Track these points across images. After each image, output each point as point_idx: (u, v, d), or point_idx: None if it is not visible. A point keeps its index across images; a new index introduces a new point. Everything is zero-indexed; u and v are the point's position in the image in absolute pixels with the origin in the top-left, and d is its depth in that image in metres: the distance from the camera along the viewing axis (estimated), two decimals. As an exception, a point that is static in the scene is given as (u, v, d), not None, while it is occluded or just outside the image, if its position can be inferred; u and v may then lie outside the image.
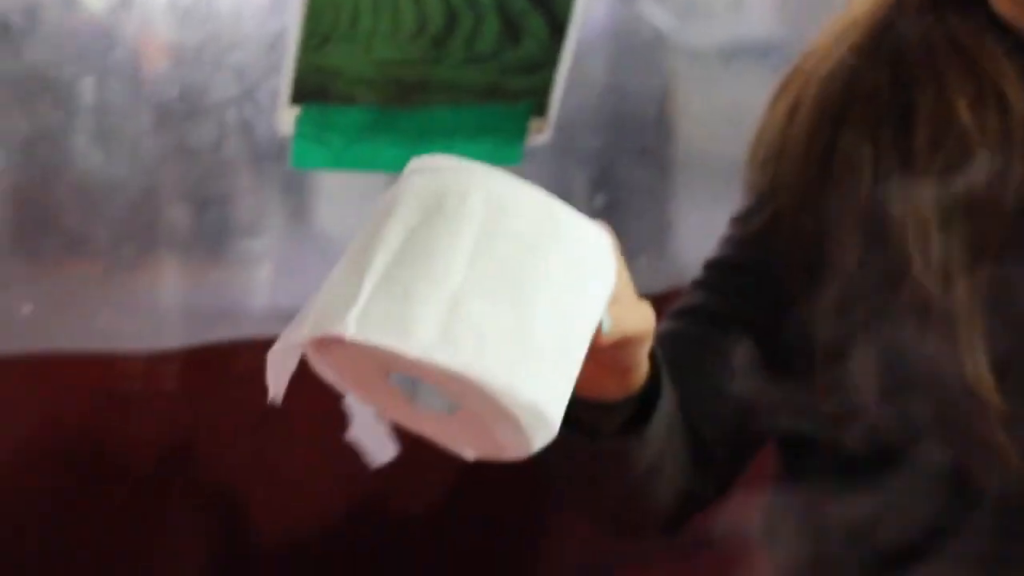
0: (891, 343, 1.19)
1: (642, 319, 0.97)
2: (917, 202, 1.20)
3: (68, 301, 1.39)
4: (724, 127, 1.74)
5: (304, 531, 1.45)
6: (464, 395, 0.81)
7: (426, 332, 0.76)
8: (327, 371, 0.89)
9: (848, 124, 1.25)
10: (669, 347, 1.21)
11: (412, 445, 1.44)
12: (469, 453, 0.90)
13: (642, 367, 1.05)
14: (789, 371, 1.25)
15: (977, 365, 1.16)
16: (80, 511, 1.32)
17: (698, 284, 1.32)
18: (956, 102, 1.21)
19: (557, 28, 1.33)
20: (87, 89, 1.32)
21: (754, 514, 1.40)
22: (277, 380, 0.88)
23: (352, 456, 1.46)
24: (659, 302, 1.33)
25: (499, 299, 0.79)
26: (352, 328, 0.76)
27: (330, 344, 0.86)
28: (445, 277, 0.78)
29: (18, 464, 1.31)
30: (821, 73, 1.27)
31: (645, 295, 1.44)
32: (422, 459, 1.48)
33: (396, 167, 1.31)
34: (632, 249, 1.61)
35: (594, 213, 1.58)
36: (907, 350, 1.19)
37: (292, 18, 1.21)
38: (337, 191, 1.52)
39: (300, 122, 1.26)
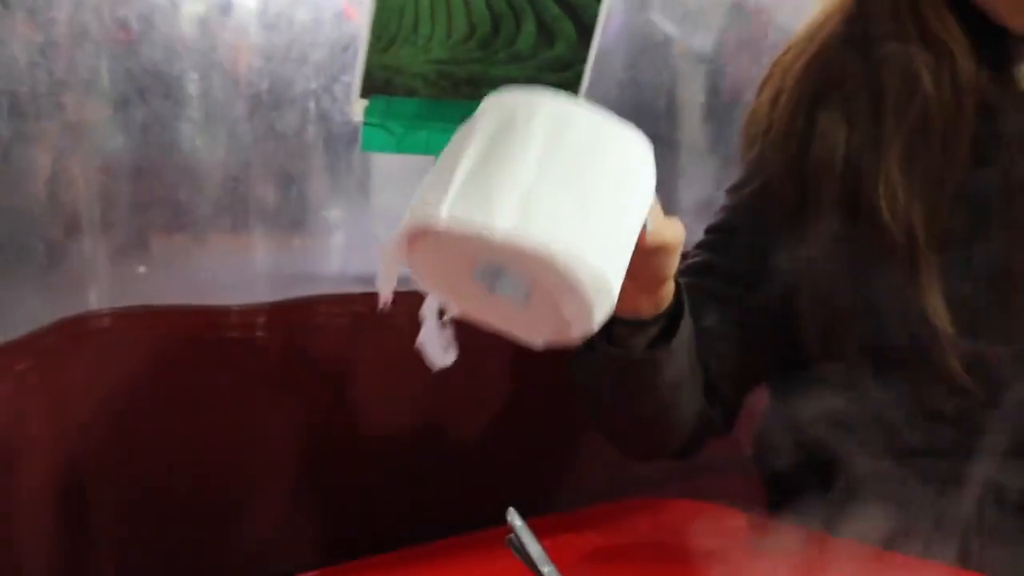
0: (863, 285, 1.26)
1: (676, 231, 1.06)
2: (885, 164, 1.26)
3: (175, 263, 1.42)
4: (722, 116, 1.83)
5: (369, 449, 1.48)
6: (538, 272, 0.87)
7: (507, 216, 0.83)
8: (419, 271, 0.94)
9: (823, 106, 1.31)
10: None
11: (467, 381, 1.42)
12: (538, 340, 0.96)
13: (670, 285, 1.15)
14: (779, 314, 1.33)
15: (934, 300, 1.23)
16: (188, 428, 1.35)
17: (701, 244, 1.40)
18: (919, 73, 1.26)
19: (584, 33, 1.39)
20: (192, 83, 1.35)
21: (748, 445, 1.47)
22: (386, 278, 0.94)
23: (409, 394, 1.47)
24: None
25: (565, 190, 0.86)
26: (445, 217, 0.83)
27: (425, 239, 0.89)
28: (521, 174, 0.86)
29: (140, 396, 1.34)
30: (800, 64, 1.35)
31: None
32: (476, 395, 1.55)
33: (452, 151, 1.42)
34: None
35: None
36: (877, 290, 1.26)
37: (362, 24, 1.26)
38: (398, 171, 1.54)
39: (368, 112, 1.31)
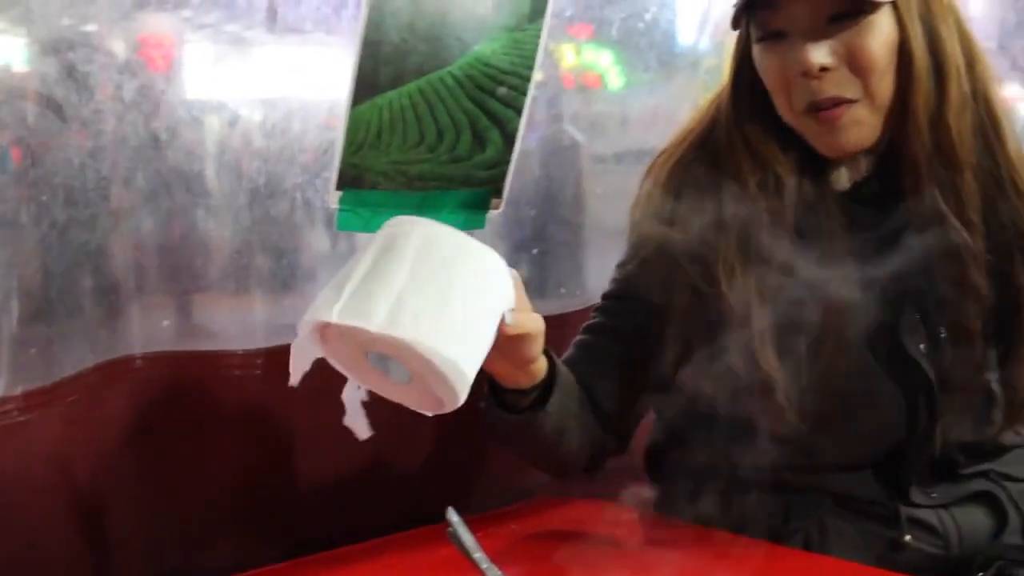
0: (715, 341, 1.31)
1: (534, 322, 1.13)
2: (724, 248, 1.31)
3: (192, 318, 1.44)
4: (615, 205, 1.73)
5: (335, 459, 1.47)
6: (408, 360, 0.95)
7: (380, 315, 0.93)
8: (332, 358, 1.02)
9: (683, 198, 1.35)
10: (582, 351, 1.40)
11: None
12: (427, 411, 1.04)
13: (541, 362, 1.20)
14: (655, 362, 1.38)
15: (765, 351, 1.27)
16: (201, 448, 1.38)
17: (597, 309, 1.46)
18: (747, 181, 1.32)
19: (508, 140, 1.45)
20: (208, 178, 1.38)
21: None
22: (298, 363, 1.02)
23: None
24: (575, 317, 1.48)
25: (429, 295, 0.96)
26: (335, 315, 0.94)
27: (330, 332, 0.98)
28: (395, 282, 0.96)
29: (164, 423, 1.36)
30: (669, 165, 1.39)
31: (564, 313, 1.59)
32: (423, 417, 1.55)
33: (405, 230, 1.48)
34: (556, 283, 1.75)
35: (532, 260, 1.74)
36: (724, 343, 1.30)
37: (338, 133, 1.31)
38: (363, 245, 1.62)
39: (342, 201, 1.35)
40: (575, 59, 1.81)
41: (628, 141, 1.87)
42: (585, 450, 1.38)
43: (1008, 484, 1.40)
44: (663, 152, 1.43)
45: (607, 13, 1.63)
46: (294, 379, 1.03)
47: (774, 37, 1.28)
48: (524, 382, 1.24)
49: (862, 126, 1.28)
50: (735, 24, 1.31)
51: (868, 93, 1.26)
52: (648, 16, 1.69)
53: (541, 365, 1.24)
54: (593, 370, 1.39)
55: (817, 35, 1.24)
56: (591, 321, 1.44)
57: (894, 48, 1.25)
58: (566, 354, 1.43)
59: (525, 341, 1.15)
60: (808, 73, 1.24)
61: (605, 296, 1.45)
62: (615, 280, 1.45)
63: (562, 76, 1.78)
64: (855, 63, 1.24)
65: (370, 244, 1.05)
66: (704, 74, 1.83)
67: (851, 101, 1.26)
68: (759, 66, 1.31)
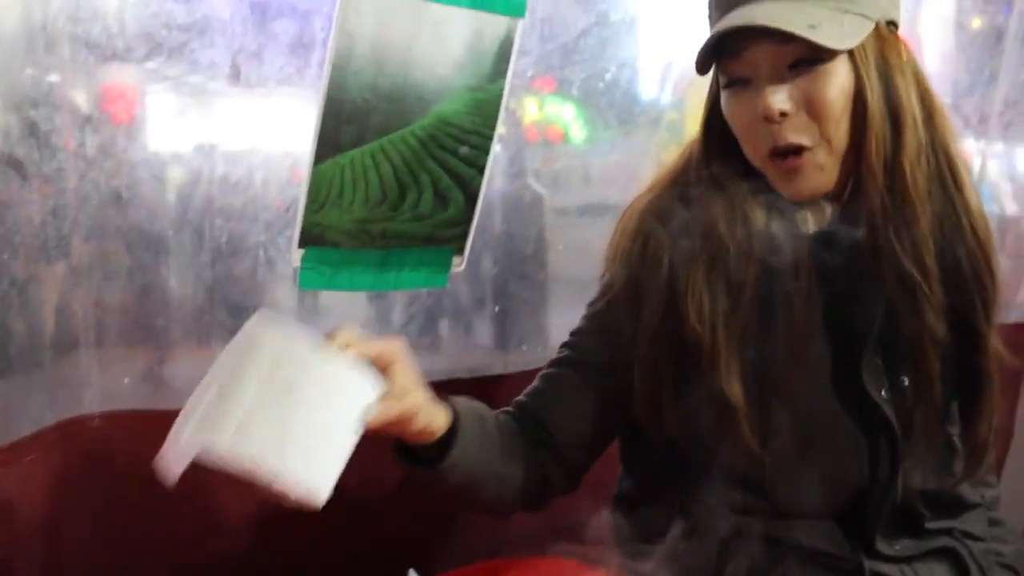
0: (681, 371, 1.32)
1: (404, 408, 1.13)
2: (692, 281, 1.32)
3: (152, 375, 1.42)
4: (577, 259, 1.84)
5: (289, 527, 1.39)
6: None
7: (225, 437, 0.95)
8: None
9: (654, 235, 1.36)
10: (545, 384, 1.41)
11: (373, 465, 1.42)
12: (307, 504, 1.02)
13: (436, 421, 1.21)
14: (619, 397, 1.38)
15: (732, 384, 1.28)
16: (158, 509, 1.33)
17: (564, 344, 1.45)
18: (716, 219, 1.33)
19: (471, 199, 1.49)
20: (168, 237, 1.38)
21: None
22: (172, 465, 1.00)
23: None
24: (535, 374, 1.45)
25: (273, 417, 0.97)
26: (187, 436, 0.96)
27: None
28: (243, 403, 0.96)
29: (121, 483, 1.34)
30: (642, 207, 1.40)
31: (526, 370, 1.57)
32: (387, 476, 1.52)
33: (367, 288, 1.49)
34: (518, 340, 1.77)
35: (493, 317, 1.74)
36: (689, 375, 1.31)
37: (301, 191, 1.35)
38: (328, 303, 1.61)
39: (304, 259, 1.38)
40: (538, 113, 1.82)
41: (591, 195, 1.88)
42: (510, 494, 1.39)
43: (970, 542, 1.41)
44: (638, 197, 1.45)
45: (568, 73, 1.64)
46: (170, 483, 1.01)
47: (739, 84, 1.31)
48: (423, 441, 1.24)
49: (820, 172, 1.30)
50: (701, 69, 1.33)
51: (824, 138, 1.28)
52: (608, 76, 1.70)
53: (437, 425, 1.24)
54: (552, 400, 1.41)
55: (778, 79, 1.27)
56: (557, 355, 1.45)
57: (850, 95, 1.28)
58: (530, 385, 1.45)
59: (403, 422, 1.16)
60: (768, 118, 1.27)
61: (574, 332, 1.46)
62: (584, 317, 1.46)
63: (525, 130, 1.79)
64: (812, 108, 1.27)
65: (226, 354, 1.03)
66: (665, 130, 1.84)
67: (808, 148, 1.28)
68: (726, 111, 1.34)
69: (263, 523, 1.48)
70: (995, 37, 2.13)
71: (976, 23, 2.20)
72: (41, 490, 1.29)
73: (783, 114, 1.27)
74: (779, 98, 1.27)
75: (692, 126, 1.82)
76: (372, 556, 1.46)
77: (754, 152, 1.33)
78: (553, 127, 1.86)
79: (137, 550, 1.37)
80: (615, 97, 1.73)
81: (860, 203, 1.31)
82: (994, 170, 2.23)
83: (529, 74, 1.57)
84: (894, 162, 1.29)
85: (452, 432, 1.26)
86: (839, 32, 1.25)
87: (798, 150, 1.29)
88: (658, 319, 1.35)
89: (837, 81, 1.27)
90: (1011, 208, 2.27)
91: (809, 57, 1.26)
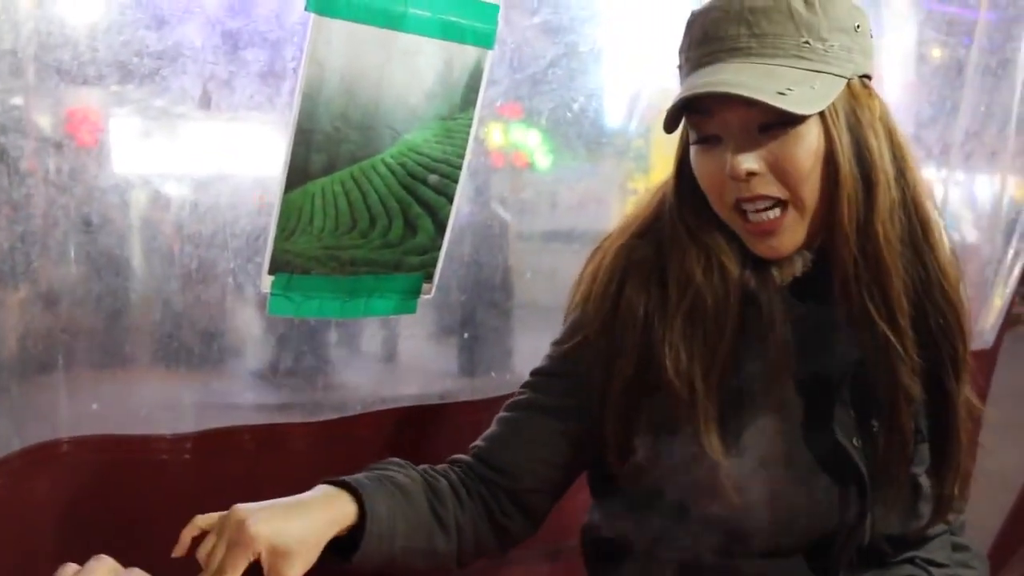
0: (657, 424, 1.32)
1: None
2: (669, 334, 1.32)
3: (121, 401, 1.42)
4: (544, 286, 1.84)
5: None
6: None
7: None
8: None
9: (629, 282, 1.36)
10: (506, 429, 1.41)
11: None
12: None
13: (322, 542, 1.20)
14: (586, 441, 1.39)
15: (710, 437, 1.29)
16: (127, 533, 1.32)
17: (525, 385, 1.45)
18: (693, 270, 1.33)
19: (440, 227, 1.50)
20: (138, 263, 1.37)
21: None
22: None
23: None
24: (503, 400, 1.49)
25: None
26: None
27: None
28: None
29: (90, 508, 1.35)
30: (614, 249, 1.40)
31: (494, 397, 1.59)
32: None
33: (336, 315, 1.50)
34: (486, 367, 1.78)
35: (462, 344, 1.75)
36: (666, 428, 1.31)
37: (271, 219, 1.35)
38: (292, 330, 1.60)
39: (274, 285, 1.39)
40: (503, 139, 1.83)
41: (558, 223, 1.89)
42: (474, 544, 1.41)
43: (933, 569, 1.44)
44: (608, 237, 1.46)
45: (537, 103, 1.66)
46: None
47: (709, 141, 1.31)
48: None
49: (792, 231, 1.31)
50: (669, 127, 1.32)
51: (795, 198, 1.29)
52: (576, 105, 1.71)
53: (324, 539, 1.24)
54: (514, 446, 1.41)
55: (747, 141, 1.28)
56: (517, 398, 1.45)
57: (821, 157, 1.28)
58: (487, 431, 1.45)
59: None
60: (735, 177, 1.27)
61: (536, 372, 1.46)
62: (550, 357, 1.46)
63: (491, 155, 1.80)
64: (780, 170, 1.27)
65: None
66: (631, 159, 1.86)
67: (776, 200, 1.29)
68: (694, 166, 1.34)
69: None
70: (956, 69, 2.17)
71: (937, 55, 2.24)
72: (9, 516, 1.28)
73: (751, 174, 1.27)
74: (748, 160, 1.27)
75: (657, 155, 1.87)
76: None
77: (720, 205, 1.33)
78: (519, 153, 1.87)
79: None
80: (583, 126, 1.75)
81: (833, 263, 1.32)
82: (955, 198, 2.27)
83: (498, 104, 1.59)
84: (867, 224, 1.30)
85: (360, 527, 1.26)
86: (810, 96, 1.25)
87: (768, 207, 1.29)
88: (632, 368, 1.35)
89: (807, 143, 1.28)
90: (972, 236, 2.31)
91: (779, 120, 1.26)
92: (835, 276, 1.32)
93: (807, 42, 1.27)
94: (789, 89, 1.23)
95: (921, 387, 1.34)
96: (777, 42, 1.26)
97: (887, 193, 1.30)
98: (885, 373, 1.33)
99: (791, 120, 1.26)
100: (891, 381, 1.33)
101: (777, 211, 1.29)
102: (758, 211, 1.29)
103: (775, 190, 1.28)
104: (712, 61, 1.28)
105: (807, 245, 1.34)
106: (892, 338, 1.31)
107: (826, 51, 1.27)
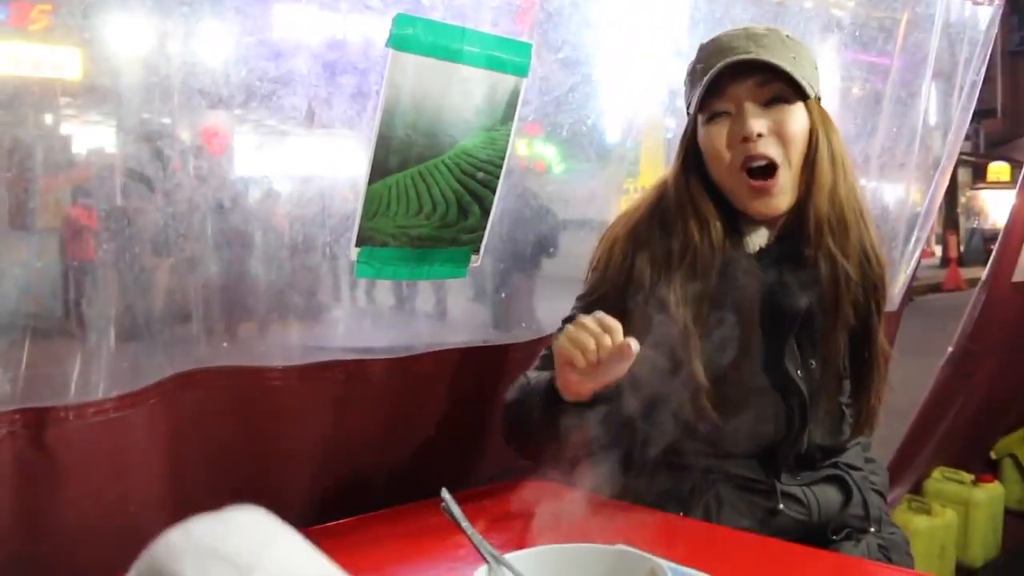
0: (660, 353, 1.29)
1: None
2: (673, 284, 1.32)
3: (245, 341, 1.40)
4: (560, 259, 1.86)
5: (357, 445, 1.47)
6: None
7: None
8: None
9: (639, 251, 1.36)
10: (546, 361, 1.38)
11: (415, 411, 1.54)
12: None
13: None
14: None
15: (696, 364, 1.29)
16: (253, 435, 1.37)
17: (558, 331, 1.36)
18: (692, 233, 1.33)
19: (485, 211, 1.50)
20: (258, 238, 1.37)
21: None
22: None
23: (382, 415, 1.50)
24: (534, 345, 1.48)
25: None
26: None
27: None
28: None
29: (224, 420, 1.35)
30: (627, 225, 1.40)
31: (524, 341, 1.58)
32: (422, 418, 1.57)
33: (406, 277, 1.48)
34: (518, 319, 1.74)
35: (500, 301, 1.74)
36: (665, 356, 1.28)
37: (358, 205, 1.37)
38: (375, 288, 1.64)
39: (360, 255, 1.40)
40: (528, 151, 1.82)
41: (571, 213, 1.89)
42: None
43: (852, 472, 1.43)
44: (620, 216, 1.46)
45: (559, 119, 1.65)
46: None
47: (721, 116, 1.34)
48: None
49: (784, 194, 1.33)
50: (700, 107, 1.35)
51: (788, 159, 1.32)
52: (589, 122, 1.71)
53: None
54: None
55: (756, 111, 1.31)
56: (552, 341, 1.40)
57: (807, 132, 1.33)
58: (534, 364, 1.43)
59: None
60: (748, 137, 1.30)
61: (566, 320, 1.42)
62: (576, 308, 1.44)
63: (520, 160, 1.78)
64: (782, 133, 1.31)
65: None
66: (628, 165, 1.85)
67: (777, 165, 1.31)
68: (706, 139, 1.35)
69: (329, 452, 1.48)
70: (875, 99, 2.16)
71: (858, 90, 2.23)
72: (163, 427, 1.28)
73: (760, 135, 1.30)
74: (759, 123, 1.30)
75: (646, 163, 1.87)
76: (412, 479, 1.46)
77: (730, 167, 1.33)
78: (539, 161, 1.87)
79: (237, 474, 1.38)
80: (592, 139, 1.74)
81: (804, 221, 1.34)
82: (871, 199, 2.26)
83: (531, 118, 1.58)
84: (834, 186, 1.33)
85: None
86: (806, 83, 1.31)
87: (769, 168, 1.31)
88: (642, 313, 1.34)
89: (799, 118, 1.32)
90: (884, 227, 2.30)
91: (781, 96, 1.31)
92: (807, 233, 1.34)
93: (795, 57, 1.33)
94: (794, 72, 1.29)
95: (854, 321, 1.36)
96: (775, 52, 1.31)
97: (844, 177, 1.35)
98: (832, 304, 1.34)
99: (788, 99, 1.31)
100: (835, 312, 1.34)
101: (771, 168, 1.32)
102: (758, 161, 1.32)
103: (774, 152, 1.31)
104: (728, 55, 1.32)
105: (779, 218, 1.36)
106: (851, 273, 1.33)
107: (805, 69, 1.33)
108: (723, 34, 1.36)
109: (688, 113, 1.42)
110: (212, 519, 0.67)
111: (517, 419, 1.35)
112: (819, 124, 1.34)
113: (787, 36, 1.35)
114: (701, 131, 1.36)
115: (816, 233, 1.33)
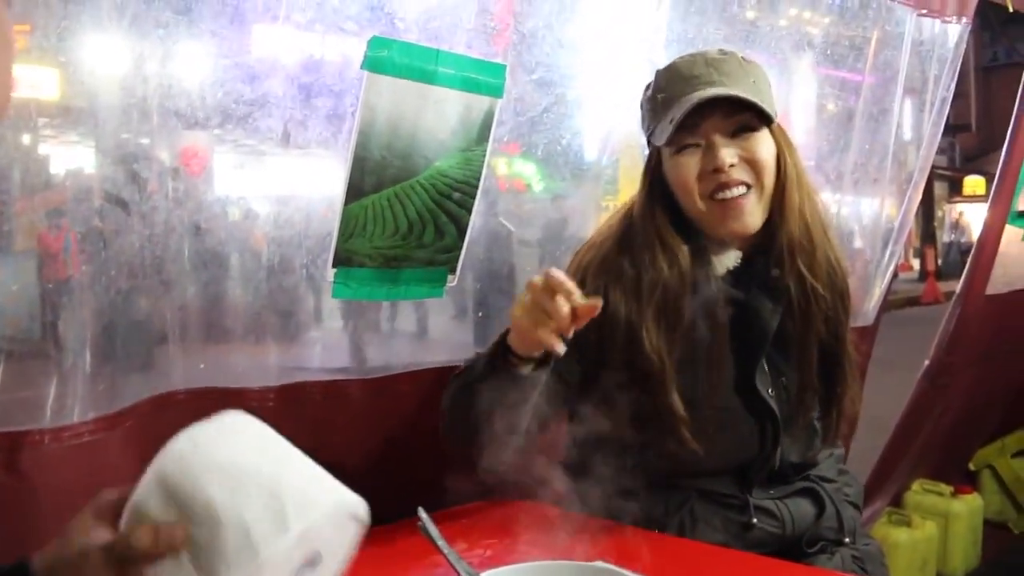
0: (636, 390, 1.30)
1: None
2: (645, 321, 1.33)
3: (221, 362, 1.40)
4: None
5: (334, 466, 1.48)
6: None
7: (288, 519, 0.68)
8: None
9: (609, 281, 1.35)
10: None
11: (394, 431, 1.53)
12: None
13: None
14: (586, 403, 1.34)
15: (673, 398, 1.30)
16: None
17: None
18: (661, 267, 1.33)
19: (461, 232, 1.51)
20: (234, 259, 1.37)
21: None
22: None
23: (362, 436, 1.49)
24: None
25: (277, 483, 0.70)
26: (263, 552, 0.68)
27: None
28: (251, 499, 0.68)
29: None
30: (593, 254, 1.40)
31: None
32: (400, 438, 1.55)
33: (383, 298, 1.49)
34: (494, 338, 1.74)
35: (476, 321, 1.74)
36: (642, 392, 1.30)
37: (334, 226, 1.37)
38: (349, 309, 1.61)
39: (336, 276, 1.40)
40: (507, 168, 1.84)
41: (549, 231, 1.89)
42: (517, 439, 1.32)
43: (825, 484, 1.45)
44: (586, 245, 1.46)
45: (535, 139, 1.66)
46: None
47: (690, 148, 1.34)
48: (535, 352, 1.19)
49: (754, 215, 1.34)
50: (669, 141, 1.35)
51: (760, 184, 1.34)
52: (563, 142, 1.71)
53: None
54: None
55: (725, 142, 1.33)
56: None
57: (775, 156, 1.35)
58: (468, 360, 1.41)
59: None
60: (719, 168, 1.32)
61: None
62: None
63: (498, 180, 1.78)
64: (752, 161, 1.33)
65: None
66: (604, 184, 1.86)
67: (748, 186, 1.33)
68: (674, 172, 1.36)
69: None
70: (847, 116, 2.19)
71: (832, 107, 2.26)
72: (136, 450, 1.26)
73: (731, 164, 1.32)
74: (729, 154, 1.32)
75: (624, 180, 1.87)
76: (389, 499, 1.42)
77: (696, 198, 1.34)
78: (518, 179, 1.88)
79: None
80: (568, 157, 1.75)
81: (778, 238, 1.36)
82: (847, 214, 2.29)
83: (505, 139, 1.59)
84: (801, 206, 1.36)
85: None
86: (770, 110, 1.33)
87: (741, 185, 1.33)
88: (617, 345, 1.35)
89: (767, 144, 1.34)
90: (858, 242, 2.33)
91: (748, 125, 1.33)
92: (781, 242, 1.36)
93: (754, 81, 1.34)
94: (759, 101, 1.31)
95: (825, 334, 1.38)
96: (737, 80, 1.33)
97: (809, 196, 1.38)
98: (803, 320, 1.36)
99: (755, 128, 1.33)
100: (807, 329, 1.36)
101: (744, 188, 1.33)
102: (731, 189, 1.33)
103: (746, 176, 1.33)
104: (693, 90, 1.32)
105: (748, 241, 1.37)
106: (820, 290, 1.36)
107: (764, 92, 1.35)
108: (680, 61, 1.37)
109: (649, 143, 1.42)
110: (213, 429, 0.73)
111: (459, 405, 1.28)
112: (784, 147, 1.37)
113: (742, 59, 1.37)
114: (668, 162, 1.37)
115: (788, 255, 1.36)
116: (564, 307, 1.10)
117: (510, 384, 1.20)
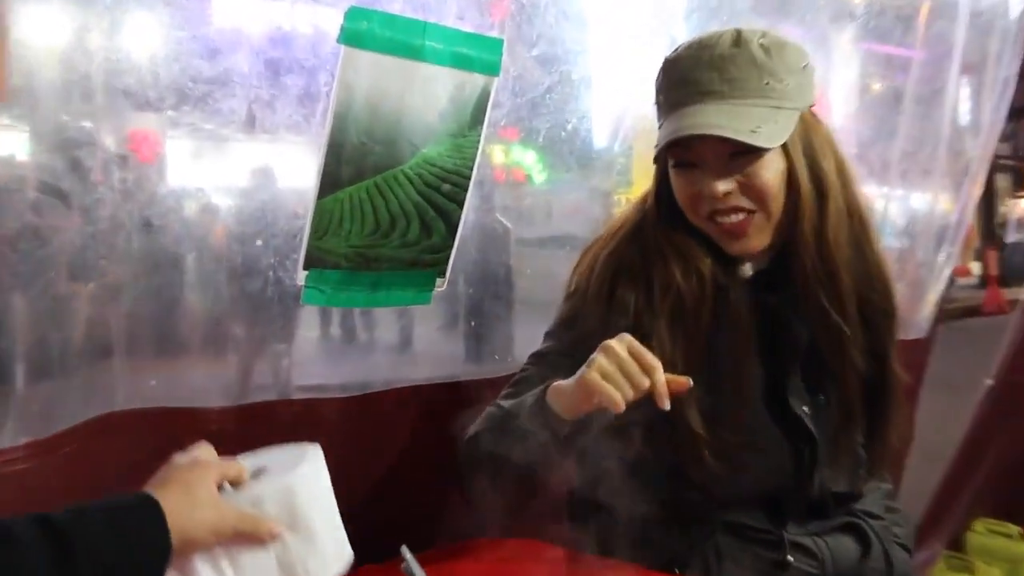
0: (648, 406, 1.23)
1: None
2: (656, 328, 1.33)
3: (175, 378, 1.41)
4: (540, 283, 1.83)
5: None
6: None
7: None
8: None
9: (620, 282, 1.37)
10: (515, 394, 1.36)
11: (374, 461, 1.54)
12: None
13: None
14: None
15: (691, 413, 1.31)
16: None
17: (528, 365, 1.44)
18: (674, 275, 1.35)
19: (451, 229, 1.50)
20: (191, 261, 1.37)
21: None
22: None
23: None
24: (505, 380, 1.43)
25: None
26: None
27: None
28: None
29: (146, 470, 1.20)
30: (605, 252, 1.41)
31: (498, 376, 1.57)
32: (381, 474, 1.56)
33: (361, 305, 1.50)
34: (489, 351, 1.76)
35: (469, 331, 1.75)
36: (655, 409, 1.23)
37: (306, 222, 1.36)
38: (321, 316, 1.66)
39: (308, 279, 1.40)
40: (505, 157, 1.84)
41: (552, 230, 1.89)
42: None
43: (871, 520, 1.45)
44: (597, 240, 1.47)
45: (535, 124, 1.66)
46: None
47: (687, 166, 1.35)
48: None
49: (760, 234, 1.35)
50: (656, 159, 1.38)
51: (763, 209, 1.33)
52: (569, 126, 1.71)
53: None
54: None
55: (721, 167, 1.32)
56: (521, 375, 1.44)
57: (783, 176, 1.33)
58: (504, 392, 1.43)
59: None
60: (713, 198, 1.32)
61: (535, 354, 1.45)
62: (549, 343, 1.46)
63: (494, 170, 1.80)
64: (750, 190, 1.32)
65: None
66: (616, 174, 1.86)
67: (749, 211, 1.33)
68: (674, 185, 1.38)
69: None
70: (894, 98, 2.19)
71: (877, 87, 2.26)
72: (79, 475, 1.28)
73: (726, 194, 1.32)
74: (723, 184, 1.32)
75: (638, 170, 1.87)
76: (365, 532, 1.44)
77: (696, 217, 1.37)
78: (517, 169, 1.88)
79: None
80: (574, 144, 1.75)
81: (793, 263, 1.36)
82: (894, 210, 2.28)
83: (503, 123, 1.59)
84: (821, 230, 1.34)
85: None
86: (775, 130, 1.29)
87: (738, 211, 1.33)
88: None
89: (773, 166, 1.32)
90: (908, 242, 2.33)
91: (748, 149, 1.30)
92: (796, 274, 1.36)
93: (768, 83, 1.31)
94: (759, 127, 1.28)
95: (864, 361, 1.38)
96: (744, 84, 1.30)
97: (836, 203, 1.35)
98: (836, 354, 1.36)
99: (758, 149, 1.30)
100: (841, 359, 1.36)
101: (743, 214, 1.33)
102: (728, 215, 1.34)
103: (745, 203, 1.33)
104: (690, 103, 1.32)
105: (771, 245, 1.37)
106: (843, 326, 1.35)
107: (784, 89, 1.31)
108: (684, 55, 1.35)
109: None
110: (320, 461, 1.05)
111: (490, 447, 1.33)
112: (799, 159, 1.34)
113: (763, 46, 1.32)
114: (670, 172, 1.39)
115: (803, 291, 1.37)
116: (645, 382, 1.18)
117: (549, 436, 1.26)
